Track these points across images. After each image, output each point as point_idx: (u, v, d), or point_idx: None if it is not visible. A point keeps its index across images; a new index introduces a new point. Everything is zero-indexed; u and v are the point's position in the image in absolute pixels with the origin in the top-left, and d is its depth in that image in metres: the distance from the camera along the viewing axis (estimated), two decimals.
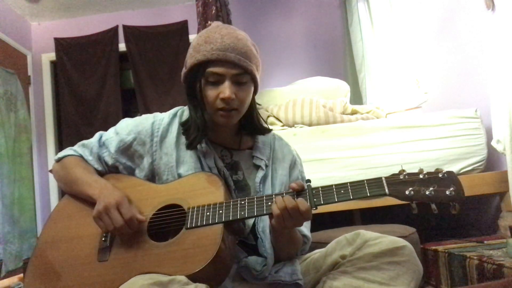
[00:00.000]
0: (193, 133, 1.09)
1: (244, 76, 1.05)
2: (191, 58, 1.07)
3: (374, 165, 2.14)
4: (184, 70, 1.11)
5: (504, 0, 1.91)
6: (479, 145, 2.13)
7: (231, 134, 1.17)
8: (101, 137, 1.19)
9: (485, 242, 1.82)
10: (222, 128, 1.13)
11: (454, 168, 2.11)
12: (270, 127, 1.26)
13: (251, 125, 1.17)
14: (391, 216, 2.23)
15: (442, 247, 1.80)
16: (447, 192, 0.86)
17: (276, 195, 0.96)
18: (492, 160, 2.21)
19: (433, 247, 1.83)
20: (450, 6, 2.60)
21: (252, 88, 1.11)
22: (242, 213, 0.96)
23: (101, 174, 1.15)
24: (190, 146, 1.10)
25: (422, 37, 2.97)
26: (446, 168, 2.20)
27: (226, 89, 1.02)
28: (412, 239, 1.68)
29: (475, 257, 1.49)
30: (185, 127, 1.12)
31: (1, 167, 3.45)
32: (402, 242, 0.95)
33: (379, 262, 0.92)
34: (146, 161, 1.12)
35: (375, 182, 0.92)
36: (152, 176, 1.12)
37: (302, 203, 0.91)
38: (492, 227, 2.21)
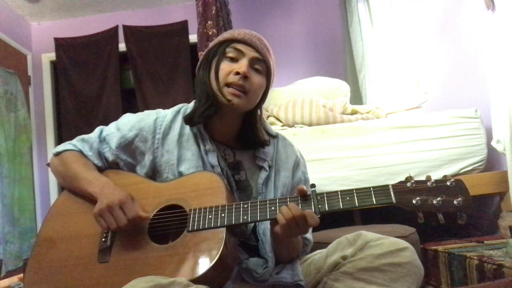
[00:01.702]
0: (205, 103, 1.07)
1: (262, 64, 1.09)
2: (216, 39, 1.13)
3: (374, 165, 2.14)
4: (204, 52, 1.14)
5: (504, 0, 1.91)
6: (479, 145, 2.13)
7: (234, 132, 1.16)
8: (101, 132, 1.17)
9: (485, 242, 1.82)
10: (226, 124, 1.12)
11: (454, 168, 2.11)
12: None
13: (253, 136, 1.13)
14: (391, 216, 2.23)
15: (442, 247, 1.80)
16: (455, 202, 0.84)
17: (280, 200, 0.95)
18: (492, 160, 2.21)
19: (433, 247, 1.83)
20: (450, 6, 2.60)
21: (264, 84, 1.11)
22: (245, 217, 0.94)
23: (100, 170, 1.13)
24: (201, 116, 1.07)
25: (422, 37, 2.97)
26: (446, 168, 2.21)
27: (243, 65, 1.05)
28: (412, 239, 1.68)
29: (475, 257, 1.49)
30: (190, 111, 1.12)
31: (1, 167, 3.45)
32: (404, 243, 0.95)
33: (380, 264, 0.92)
34: (148, 158, 1.11)
35: (382, 190, 0.89)
36: (153, 173, 1.11)
37: (311, 217, 0.89)
38: (492, 227, 2.21)
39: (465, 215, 0.85)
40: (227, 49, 1.08)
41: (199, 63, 1.15)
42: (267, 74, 1.11)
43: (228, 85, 1.05)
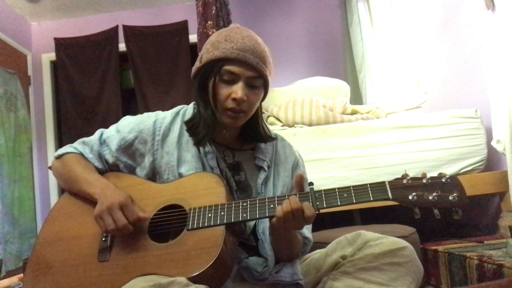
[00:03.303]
0: (202, 131, 1.08)
1: (258, 80, 1.06)
2: (208, 53, 1.06)
3: (374, 165, 2.15)
4: (197, 64, 1.10)
5: (504, 0, 1.91)
6: (479, 145, 2.13)
7: (234, 134, 1.16)
8: (101, 134, 1.18)
9: (485, 242, 1.82)
10: (227, 130, 1.12)
11: (454, 168, 2.11)
12: (270, 127, 1.26)
13: (254, 131, 1.15)
14: (391, 216, 2.24)
15: (442, 247, 1.80)
16: (450, 198, 0.86)
17: (278, 198, 0.96)
18: (492, 160, 2.21)
19: (433, 247, 1.84)
20: (450, 6, 2.60)
21: (262, 94, 1.11)
22: (244, 215, 0.95)
23: (101, 172, 1.14)
24: (199, 143, 1.09)
25: (422, 37, 2.97)
26: (446, 168, 2.21)
27: (239, 90, 1.02)
28: (412, 239, 1.68)
29: (475, 257, 1.49)
30: (190, 124, 1.11)
31: (1, 167, 3.45)
32: (403, 243, 0.95)
33: (379, 263, 0.92)
34: (147, 160, 1.11)
35: (378, 187, 0.91)
36: (153, 175, 1.12)
37: (309, 208, 0.90)
38: (492, 227, 2.21)
39: (460, 210, 0.86)
40: (222, 71, 1.04)
41: (194, 73, 1.12)
42: (264, 84, 1.09)
43: (227, 109, 1.05)
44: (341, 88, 3.12)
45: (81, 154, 1.15)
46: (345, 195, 0.92)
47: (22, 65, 4.05)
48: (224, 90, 1.04)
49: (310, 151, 2.13)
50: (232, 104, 1.03)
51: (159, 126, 1.13)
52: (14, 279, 2.44)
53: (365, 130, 2.23)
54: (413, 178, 0.90)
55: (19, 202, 3.64)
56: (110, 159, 1.14)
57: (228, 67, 1.03)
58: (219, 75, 1.04)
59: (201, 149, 1.10)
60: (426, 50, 2.93)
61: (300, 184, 0.97)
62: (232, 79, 1.04)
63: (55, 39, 4.17)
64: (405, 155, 2.15)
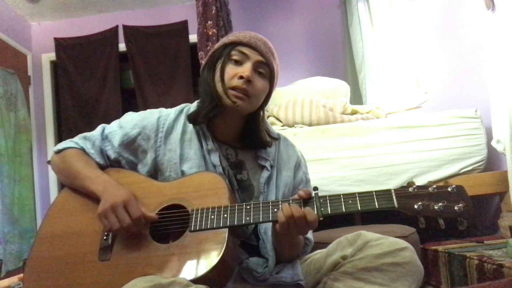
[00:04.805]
0: (209, 105, 1.09)
1: (266, 67, 1.10)
2: (222, 41, 1.14)
3: (374, 165, 2.15)
4: (210, 52, 1.15)
5: (504, 0, 1.92)
6: (479, 145, 2.13)
7: (236, 132, 1.16)
8: (103, 130, 1.17)
9: (485, 242, 1.82)
10: (228, 125, 1.13)
11: (454, 168, 2.11)
12: None
13: (255, 135, 1.15)
14: (391, 216, 2.23)
15: (442, 247, 1.80)
16: (456, 208, 0.86)
17: (282, 202, 0.95)
18: (492, 160, 2.21)
19: (433, 247, 1.84)
20: (450, 6, 2.60)
21: (267, 88, 1.12)
22: (247, 218, 0.95)
23: (102, 168, 1.13)
24: (194, 121, 1.11)
25: (422, 37, 2.97)
26: (446, 168, 2.21)
27: (247, 69, 1.07)
28: (412, 239, 1.68)
29: (475, 257, 1.50)
30: (192, 114, 1.13)
31: (1, 167, 3.45)
32: (404, 243, 0.95)
33: (380, 263, 0.92)
34: (150, 157, 1.11)
35: (384, 195, 0.90)
36: (155, 172, 1.11)
37: (310, 213, 0.90)
38: (492, 227, 2.21)
39: (465, 221, 0.86)
40: (232, 52, 1.09)
41: (204, 63, 1.16)
42: (271, 77, 1.12)
43: (232, 88, 1.06)
44: (341, 88, 3.12)
45: (82, 150, 1.14)
46: (350, 201, 0.91)
47: (22, 65, 4.04)
48: (231, 70, 1.08)
49: (310, 151, 2.13)
50: (237, 82, 1.06)
51: (162, 123, 1.13)
52: (14, 279, 2.43)
53: (365, 130, 2.23)
54: (419, 187, 0.90)
55: (19, 202, 3.64)
56: (112, 155, 1.13)
57: (239, 47, 1.08)
58: (229, 56, 1.09)
59: (204, 146, 1.10)
60: (426, 50, 2.93)
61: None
62: (241, 60, 1.08)
63: (55, 39, 4.17)
64: (405, 155, 2.15)
